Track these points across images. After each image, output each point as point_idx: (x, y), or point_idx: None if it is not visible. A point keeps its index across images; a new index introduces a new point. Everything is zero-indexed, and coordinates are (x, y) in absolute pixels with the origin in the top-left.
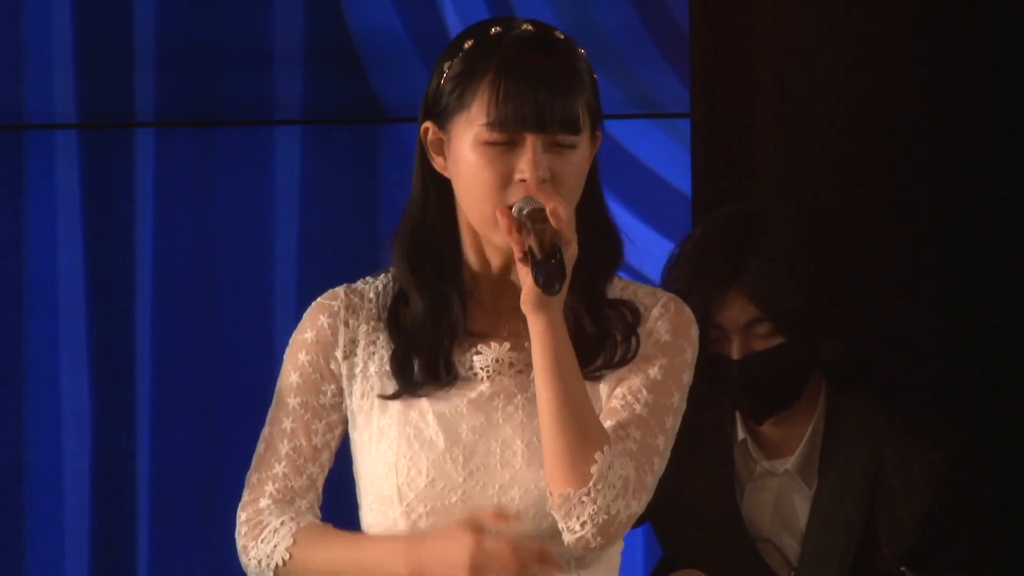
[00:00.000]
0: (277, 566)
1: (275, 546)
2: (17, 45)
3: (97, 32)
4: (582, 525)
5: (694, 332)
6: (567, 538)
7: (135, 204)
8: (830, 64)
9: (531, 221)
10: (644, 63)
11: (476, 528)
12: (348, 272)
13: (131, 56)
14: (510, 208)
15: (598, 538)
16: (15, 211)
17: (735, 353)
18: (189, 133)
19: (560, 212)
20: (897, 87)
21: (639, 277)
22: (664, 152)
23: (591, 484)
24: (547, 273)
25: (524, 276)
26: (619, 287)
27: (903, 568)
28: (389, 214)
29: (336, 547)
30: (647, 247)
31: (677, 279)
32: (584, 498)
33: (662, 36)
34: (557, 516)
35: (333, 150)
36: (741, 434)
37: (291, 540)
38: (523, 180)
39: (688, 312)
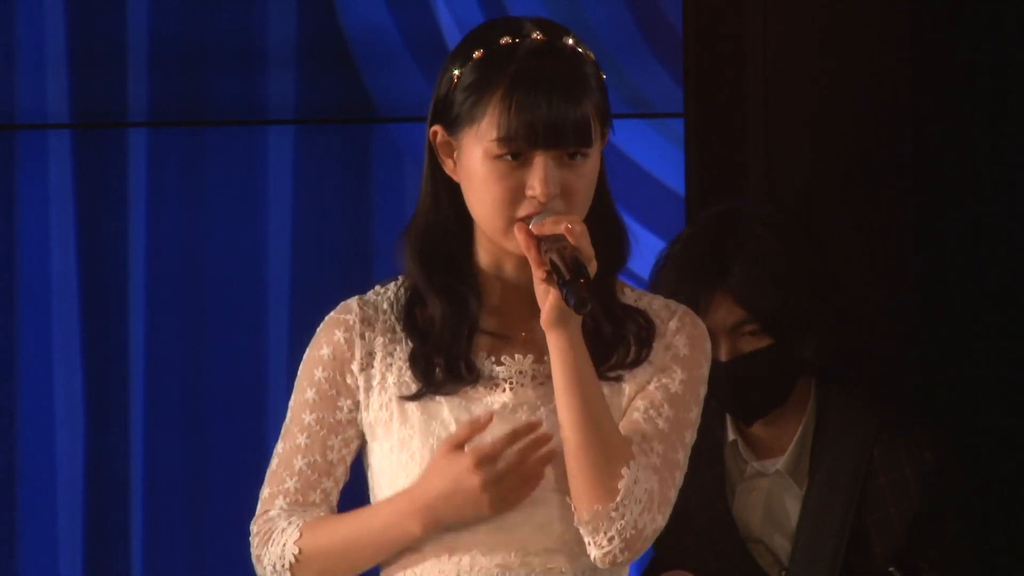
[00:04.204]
0: (291, 563)
1: (284, 545)
2: (10, 45)
3: (90, 32)
4: (609, 540)
5: (708, 346)
6: (594, 553)
7: (128, 204)
8: (820, 65)
9: (549, 241)
10: (637, 63)
11: (458, 445)
12: (340, 272)
13: (124, 56)
14: (525, 221)
15: (625, 553)
16: (8, 211)
17: (723, 355)
18: (181, 133)
19: (576, 228)
20: (886, 89)
21: (632, 277)
22: (657, 152)
23: (619, 499)
24: (577, 293)
25: (543, 295)
26: (632, 296)
27: (891, 568)
28: (381, 213)
29: (341, 525)
30: (640, 247)
31: (664, 282)
32: (612, 514)
33: (655, 36)
34: (584, 532)
35: (325, 150)
36: (731, 435)
37: (297, 534)
38: (534, 196)
39: (703, 325)
